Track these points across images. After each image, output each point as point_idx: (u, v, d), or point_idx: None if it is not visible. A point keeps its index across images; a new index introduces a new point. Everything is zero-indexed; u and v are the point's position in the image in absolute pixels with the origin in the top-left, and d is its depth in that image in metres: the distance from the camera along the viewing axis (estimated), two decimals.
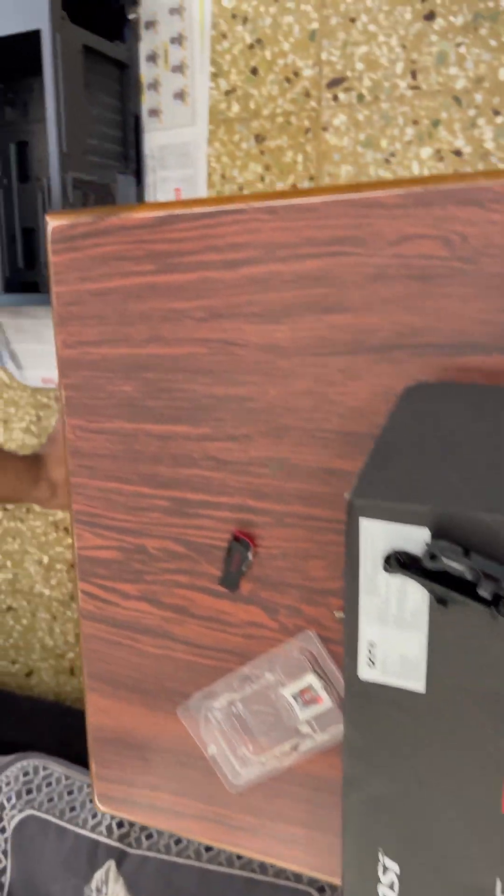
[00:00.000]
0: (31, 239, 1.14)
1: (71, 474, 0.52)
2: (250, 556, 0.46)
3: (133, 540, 0.51)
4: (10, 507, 1.28)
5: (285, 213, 0.42)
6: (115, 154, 1.01)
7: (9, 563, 1.31)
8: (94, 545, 0.53)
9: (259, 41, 0.94)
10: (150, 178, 1.05)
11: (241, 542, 0.46)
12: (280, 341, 0.44)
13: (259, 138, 0.96)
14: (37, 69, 1.04)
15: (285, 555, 0.46)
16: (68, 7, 0.87)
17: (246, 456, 0.46)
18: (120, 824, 0.80)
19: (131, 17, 0.98)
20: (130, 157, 1.02)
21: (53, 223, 0.49)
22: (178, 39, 0.99)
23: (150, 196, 1.05)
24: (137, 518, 0.50)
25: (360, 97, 0.90)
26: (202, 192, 1.01)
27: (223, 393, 0.46)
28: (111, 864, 0.77)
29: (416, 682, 0.29)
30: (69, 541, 1.24)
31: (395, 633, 0.29)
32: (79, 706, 1.30)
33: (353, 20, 0.89)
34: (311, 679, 0.46)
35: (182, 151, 1.02)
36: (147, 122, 1.03)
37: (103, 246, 0.47)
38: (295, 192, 0.42)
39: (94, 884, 0.76)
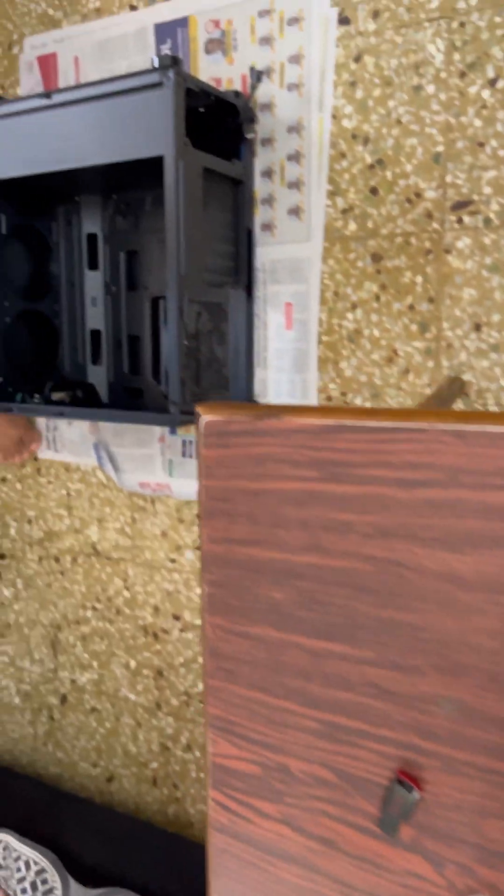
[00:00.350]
0: (136, 346, 1.14)
1: (207, 675, 0.48)
2: (415, 800, 0.41)
3: (274, 757, 0.47)
4: (99, 606, 1.26)
5: (475, 438, 0.38)
6: (227, 269, 1.00)
7: (95, 664, 1.28)
8: (229, 754, 0.48)
9: (380, 161, 0.92)
10: (260, 291, 1.03)
11: (405, 784, 0.41)
12: (461, 572, 0.39)
13: (376, 257, 0.94)
14: (151, 184, 1.04)
15: (458, 807, 0.41)
16: (190, 132, 0.87)
17: (414, 690, 0.41)
18: None
19: (249, 136, 0.97)
20: (242, 270, 1.01)
21: (207, 418, 0.46)
22: (295, 157, 0.98)
23: (259, 309, 1.03)
24: (281, 735, 0.46)
25: (487, 221, 0.86)
26: (314, 308, 0.98)
27: (389, 616, 0.42)
28: None
29: None
30: (157, 647, 1.21)
31: None
32: (159, 819, 1.25)
33: (481, 144, 0.86)
34: None
35: (294, 267, 1.00)
36: (259, 236, 1.02)
37: (260, 446, 0.44)
38: (487, 416, 0.38)
39: None
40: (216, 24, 1.02)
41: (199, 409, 0.47)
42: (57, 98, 0.93)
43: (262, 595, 0.46)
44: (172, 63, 0.85)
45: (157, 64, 0.86)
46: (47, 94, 0.94)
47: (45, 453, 1.28)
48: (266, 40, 0.98)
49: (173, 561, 1.17)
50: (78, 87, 0.92)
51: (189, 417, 0.91)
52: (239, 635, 0.47)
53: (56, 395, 1.13)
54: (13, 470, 1.33)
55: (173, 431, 1.14)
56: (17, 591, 1.37)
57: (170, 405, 0.90)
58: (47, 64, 1.16)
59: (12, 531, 1.35)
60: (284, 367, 1.02)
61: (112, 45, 1.10)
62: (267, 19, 0.98)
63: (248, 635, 0.47)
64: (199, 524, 0.48)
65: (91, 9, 1.12)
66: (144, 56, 1.08)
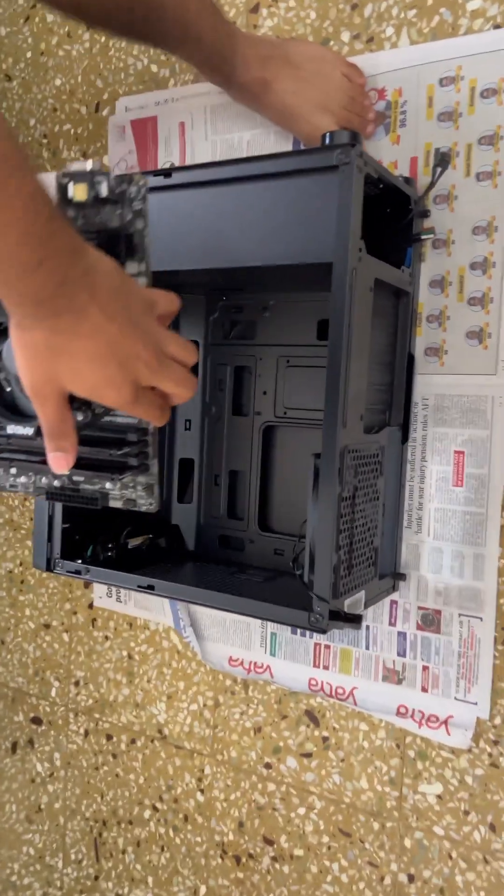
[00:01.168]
0: (237, 483, 0.89)
1: None
2: None
3: None
4: (161, 806, 0.98)
5: None
6: (382, 403, 0.75)
7: (150, 880, 0.99)
8: None
9: None
10: (418, 432, 0.78)
11: None
12: None
13: None
14: (276, 285, 0.81)
15: None
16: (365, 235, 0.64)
17: None
18: None
19: (426, 237, 0.74)
20: (397, 405, 0.77)
21: None
22: (480, 265, 0.74)
23: (416, 456, 0.78)
24: None
25: None
26: (499, 462, 0.73)
27: None
28: None
29: None
30: (239, 874, 0.92)
31: None
32: None
33: None
34: None
35: (471, 405, 0.75)
36: (421, 362, 0.78)
37: None
38: None
39: None
40: (380, 93, 0.80)
41: None
42: (179, 178, 0.70)
43: None
44: (352, 141, 0.62)
45: (329, 140, 0.63)
46: (166, 172, 0.71)
47: (103, 601, 1.02)
48: (447, 115, 0.76)
49: (269, 767, 0.89)
50: (207, 165, 0.69)
51: (342, 623, 0.65)
52: None
53: (133, 542, 0.88)
54: (60, 614, 1.06)
55: None
56: (54, 768, 1.09)
57: (314, 603, 0.64)
58: (144, 129, 0.94)
59: (53, 692, 1.08)
60: (448, 535, 0.77)
61: (231, 112, 0.88)
62: (451, 89, 0.76)
63: None
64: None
65: None
66: (271, 130, 0.86)
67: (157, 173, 0.71)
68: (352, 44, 0.81)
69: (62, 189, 0.51)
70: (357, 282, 0.63)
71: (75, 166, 0.51)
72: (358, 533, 0.69)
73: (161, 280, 0.83)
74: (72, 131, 1.01)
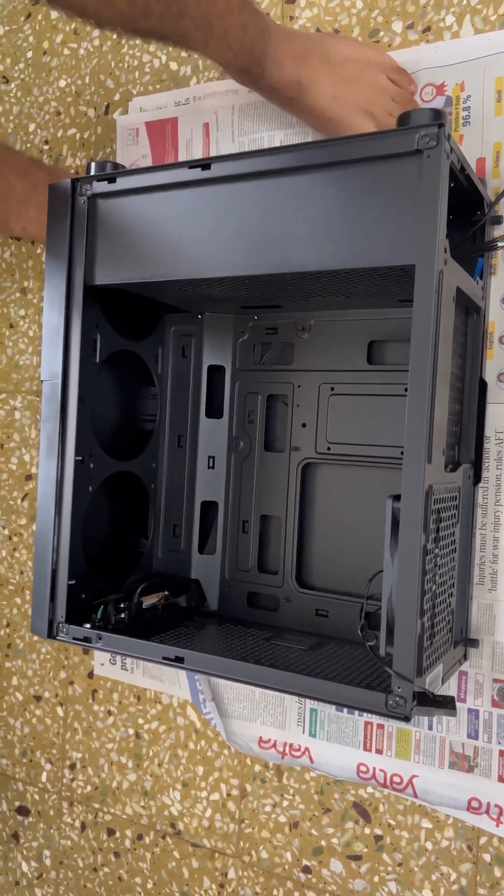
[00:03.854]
0: (268, 530, 0.76)
1: None
2: None
3: None
4: None
5: None
6: (450, 433, 0.64)
7: None
8: None
9: None
10: (490, 470, 0.67)
11: None
12: None
13: None
14: (317, 303, 0.70)
15: None
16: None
17: None
18: None
19: (503, 244, 0.64)
20: (468, 439, 0.66)
21: None
22: None
23: (489, 499, 0.67)
24: None
25: None
26: None
27: None
28: None
29: None
30: None
31: None
32: None
33: None
34: None
35: None
36: (494, 389, 0.67)
37: None
38: None
39: None
40: (438, 88, 0.70)
41: None
42: (220, 170, 0.59)
43: None
44: (438, 120, 0.52)
45: (409, 121, 0.53)
46: (204, 164, 0.60)
47: (105, 668, 0.88)
48: None
49: (307, 871, 0.75)
50: (256, 154, 0.58)
51: (432, 708, 0.52)
52: None
53: (147, 600, 0.74)
54: (53, 684, 0.92)
55: None
56: (43, 868, 0.92)
57: (394, 682, 0.51)
58: (161, 131, 0.84)
59: (44, 777, 0.92)
60: None
61: (261, 111, 0.78)
62: None
63: None
64: None
65: None
66: (309, 129, 0.76)
67: (193, 165, 0.60)
68: (405, 34, 0.72)
69: None
70: (444, 290, 0.52)
71: None
72: (438, 594, 0.57)
73: (184, 293, 0.73)
74: (77, 136, 0.91)
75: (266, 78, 0.67)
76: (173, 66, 0.84)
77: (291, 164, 0.56)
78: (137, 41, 0.87)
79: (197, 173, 0.60)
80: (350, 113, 0.68)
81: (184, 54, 0.84)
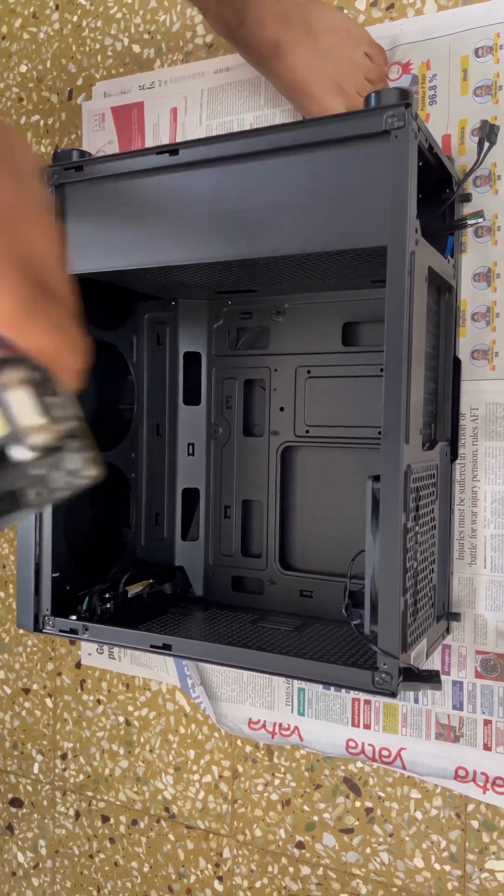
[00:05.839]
0: (251, 515, 0.77)
1: None
2: None
3: None
4: None
5: None
6: (428, 416, 0.65)
7: None
8: None
9: None
10: (467, 447, 0.68)
11: None
12: None
13: None
14: (290, 286, 0.71)
15: None
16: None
17: None
18: None
19: (472, 222, 0.64)
20: (443, 417, 0.66)
21: None
22: None
23: (466, 475, 0.68)
24: None
25: None
26: None
27: None
28: None
29: None
30: None
31: None
32: None
33: None
34: None
35: None
36: (468, 366, 0.68)
37: None
38: None
39: None
40: (404, 67, 0.70)
41: None
42: (189, 155, 0.59)
43: None
44: (404, 100, 0.52)
45: (376, 101, 0.53)
46: (172, 149, 0.60)
47: (93, 658, 0.88)
48: (485, 89, 0.67)
49: (301, 846, 0.76)
50: (225, 137, 0.58)
51: (417, 683, 0.53)
52: None
53: (132, 589, 0.75)
54: (41, 676, 0.92)
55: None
56: (39, 858, 0.93)
57: (380, 659, 0.52)
58: (127, 117, 0.83)
59: (35, 768, 0.93)
60: None
61: (230, 93, 0.78)
62: (489, 59, 0.67)
63: None
64: None
65: (200, 44, 0.80)
66: (278, 111, 0.76)
67: (161, 150, 0.60)
68: (368, 11, 0.72)
69: None
70: (416, 270, 0.53)
71: None
72: (420, 571, 0.58)
73: (157, 280, 0.72)
74: (41, 123, 0.90)
75: (244, 32, 0.67)
76: (136, 48, 0.83)
77: (260, 147, 0.56)
78: (99, 23, 0.85)
79: (165, 159, 0.60)
80: (321, 87, 0.68)
81: (146, 35, 0.82)
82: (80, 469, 0.35)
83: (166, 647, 0.62)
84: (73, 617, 0.67)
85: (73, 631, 0.66)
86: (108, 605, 0.71)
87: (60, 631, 0.66)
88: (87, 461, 0.35)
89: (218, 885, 0.81)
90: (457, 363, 0.67)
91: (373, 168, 0.53)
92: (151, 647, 0.62)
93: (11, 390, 0.32)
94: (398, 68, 0.70)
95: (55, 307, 0.32)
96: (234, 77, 0.77)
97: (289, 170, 0.55)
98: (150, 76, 0.82)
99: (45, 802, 0.92)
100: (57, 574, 0.68)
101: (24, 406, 0.33)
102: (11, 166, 0.34)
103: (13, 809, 0.95)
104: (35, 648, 0.92)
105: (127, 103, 0.83)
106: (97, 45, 0.86)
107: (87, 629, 0.65)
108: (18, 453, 0.33)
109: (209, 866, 0.81)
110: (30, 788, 0.93)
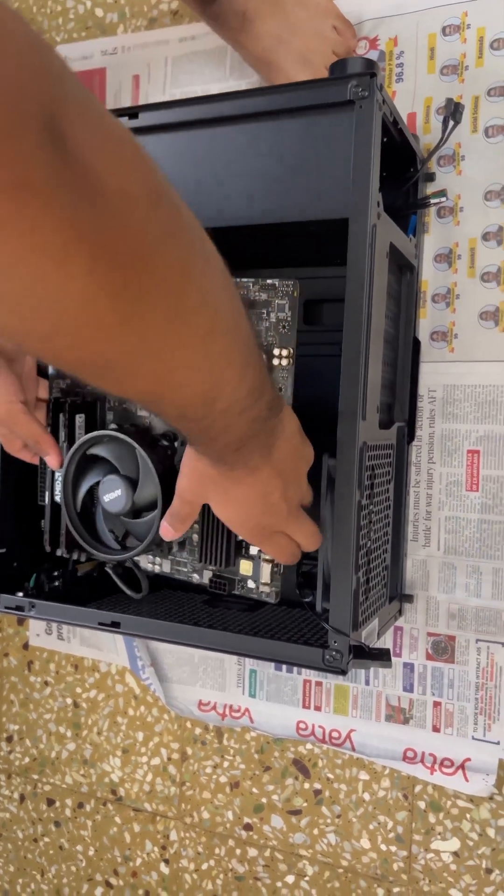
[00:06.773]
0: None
1: None
2: None
3: None
4: (117, 881, 0.82)
5: None
6: (384, 392, 0.64)
7: None
8: None
9: None
10: (424, 429, 0.68)
11: None
12: None
13: None
14: (255, 260, 0.70)
15: None
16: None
17: None
18: None
19: (436, 201, 0.64)
20: (402, 398, 0.66)
21: None
22: (495, 235, 0.65)
23: (422, 457, 0.68)
24: None
25: None
26: None
27: None
28: None
29: None
30: None
31: None
32: None
33: None
34: None
35: (486, 398, 0.65)
36: (427, 348, 0.68)
37: None
38: None
39: None
40: (372, 42, 0.69)
41: None
42: (148, 119, 0.57)
43: None
44: (369, 69, 0.51)
45: (341, 70, 0.52)
46: (131, 113, 0.58)
47: (41, 639, 0.86)
48: (451, 68, 0.66)
49: (249, 828, 0.76)
50: (186, 102, 0.56)
51: (368, 661, 0.52)
52: None
53: (82, 568, 0.73)
54: None
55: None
56: None
57: (330, 637, 0.52)
58: (88, 83, 0.81)
59: None
60: (461, 548, 0.66)
61: (196, 63, 0.76)
62: (455, 38, 0.66)
63: None
64: None
65: (165, 11, 0.78)
66: (245, 82, 0.74)
67: (121, 113, 0.58)
68: None
69: None
70: (377, 244, 0.52)
71: None
72: (373, 550, 0.58)
73: None
74: None
75: (213, 3, 0.66)
76: (99, 12, 0.81)
77: (223, 112, 0.55)
78: None
79: (124, 122, 0.58)
80: (288, 59, 0.67)
81: (109, 0, 0.80)
82: None
83: (115, 625, 0.60)
84: (20, 594, 0.65)
85: (18, 608, 0.64)
86: (57, 584, 0.69)
87: (6, 608, 0.64)
88: None
89: (164, 868, 0.80)
90: (416, 344, 0.67)
91: (336, 138, 0.52)
92: (100, 624, 0.61)
93: None
94: (366, 43, 0.70)
95: (284, 541, 0.55)
96: (200, 46, 0.76)
97: (251, 138, 0.54)
98: (112, 41, 0.79)
99: None
100: (3, 550, 0.66)
101: None
102: (295, 466, 0.52)
103: None
104: None
105: (88, 69, 0.80)
106: (59, 7, 0.83)
107: (33, 606, 0.63)
108: None
109: (156, 849, 0.80)
110: None
